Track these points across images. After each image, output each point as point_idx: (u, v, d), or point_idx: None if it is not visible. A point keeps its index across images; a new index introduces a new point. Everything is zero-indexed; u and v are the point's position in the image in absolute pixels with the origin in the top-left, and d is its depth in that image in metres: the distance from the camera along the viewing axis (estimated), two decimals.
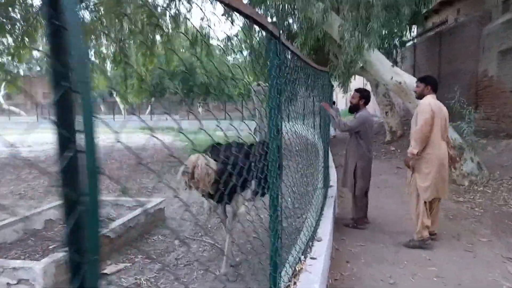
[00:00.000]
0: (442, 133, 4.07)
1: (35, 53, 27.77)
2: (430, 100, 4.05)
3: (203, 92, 27.91)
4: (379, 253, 3.96)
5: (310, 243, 3.19)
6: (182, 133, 1.35)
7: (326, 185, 5.27)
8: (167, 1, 10.66)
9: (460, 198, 5.97)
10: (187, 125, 22.09)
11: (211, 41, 13.91)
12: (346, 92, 9.37)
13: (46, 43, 0.65)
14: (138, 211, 4.63)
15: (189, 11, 11.72)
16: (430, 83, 4.16)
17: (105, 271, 3.59)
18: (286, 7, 9.11)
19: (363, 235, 4.54)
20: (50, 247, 4.19)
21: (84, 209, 0.65)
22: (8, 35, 10.44)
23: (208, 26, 11.52)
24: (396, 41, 11.14)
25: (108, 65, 16.46)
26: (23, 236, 4.44)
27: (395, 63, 9.60)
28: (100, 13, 10.78)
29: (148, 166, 1.46)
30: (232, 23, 10.59)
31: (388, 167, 8.78)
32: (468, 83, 10.42)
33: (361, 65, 8.10)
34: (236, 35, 12.01)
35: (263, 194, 3.27)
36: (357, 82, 20.18)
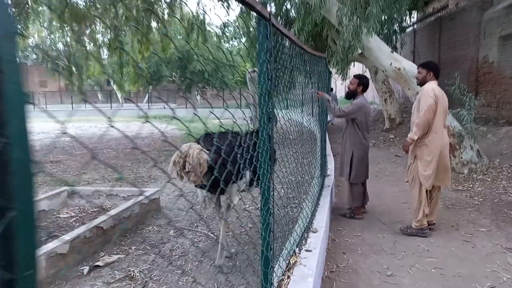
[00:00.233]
0: (444, 120, 3.99)
1: (31, 41, 27.41)
2: (434, 86, 3.95)
3: (200, 79, 27.58)
4: (377, 244, 3.89)
5: (305, 235, 3.09)
6: (178, 119, 1.35)
7: (323, 174, 5.17)
8: None
9: (459, 186, 5.88)
10: (185, 113, 21.96)
11: (207, 28, 13.62)
12: (345, 79, 9.20)
13: None
14: (132, 201, 4.55)
15: None
16: (432, 69, 4.03)
17: (98, 263, 3.52)
18: None
19: (360, 225, 4.46)
20: None
21: (15, 216, 0.54)
22: None
23: (203, 11, 11.28)
24: (396, 27, 10.96)
25: (105, 53, 16.24)
26: None
27: (394, 49, 9.41)
28: None
29: (142, 149, 1.38)
30: (228, 8, 10.35)
31: (387, 155, 8.68)
32: (468, 69, 10.26)
33: (360, 51, 7.92)
34: (235, 21, 11.78)
35: (259, 184, 3.16)
36: (356, 68, 20.00)
